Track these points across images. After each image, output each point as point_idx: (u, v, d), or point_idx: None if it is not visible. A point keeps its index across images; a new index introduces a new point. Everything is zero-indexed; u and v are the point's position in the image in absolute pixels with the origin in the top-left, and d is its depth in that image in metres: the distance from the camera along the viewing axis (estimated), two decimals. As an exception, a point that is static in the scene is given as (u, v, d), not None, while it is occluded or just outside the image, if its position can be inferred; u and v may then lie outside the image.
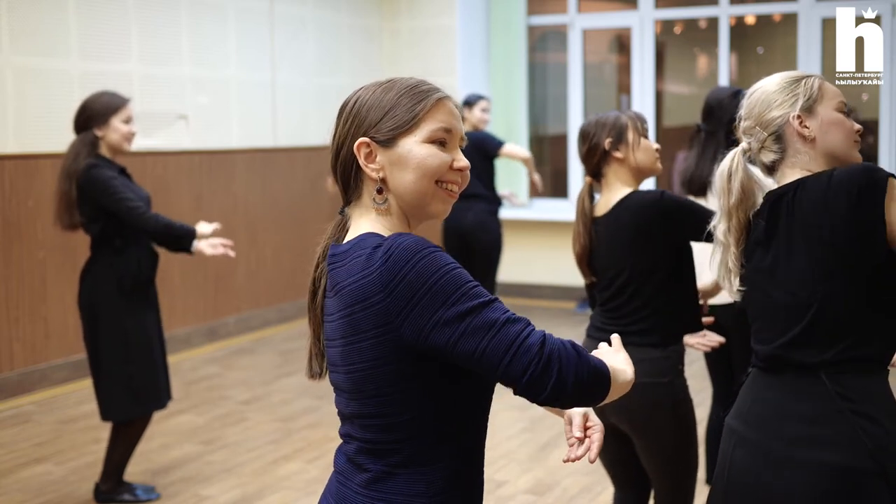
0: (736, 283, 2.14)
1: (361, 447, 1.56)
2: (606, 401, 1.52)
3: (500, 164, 7.32)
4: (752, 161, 2.18)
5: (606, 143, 2.76)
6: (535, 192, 6.80)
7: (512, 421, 5.05)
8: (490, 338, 1.42)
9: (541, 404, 1.47)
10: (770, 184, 2.16)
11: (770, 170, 2.15)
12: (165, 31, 6.50)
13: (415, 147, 1.55)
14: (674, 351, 2.75)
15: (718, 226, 2.14)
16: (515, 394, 1.47)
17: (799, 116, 2.09)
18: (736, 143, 3.67)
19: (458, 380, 1.52)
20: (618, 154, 2.76)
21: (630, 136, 2.75)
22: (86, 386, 5.63)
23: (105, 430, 4.76)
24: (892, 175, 1.94)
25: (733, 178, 2.10)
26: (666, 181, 8.39)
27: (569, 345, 1.47)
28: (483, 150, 6.26)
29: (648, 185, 7.88)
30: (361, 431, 1.55)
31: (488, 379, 1.51)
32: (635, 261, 2.72)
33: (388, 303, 1.44)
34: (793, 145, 2.10)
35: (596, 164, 2.80)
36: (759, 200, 2.14)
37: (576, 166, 8.30)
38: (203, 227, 4.08)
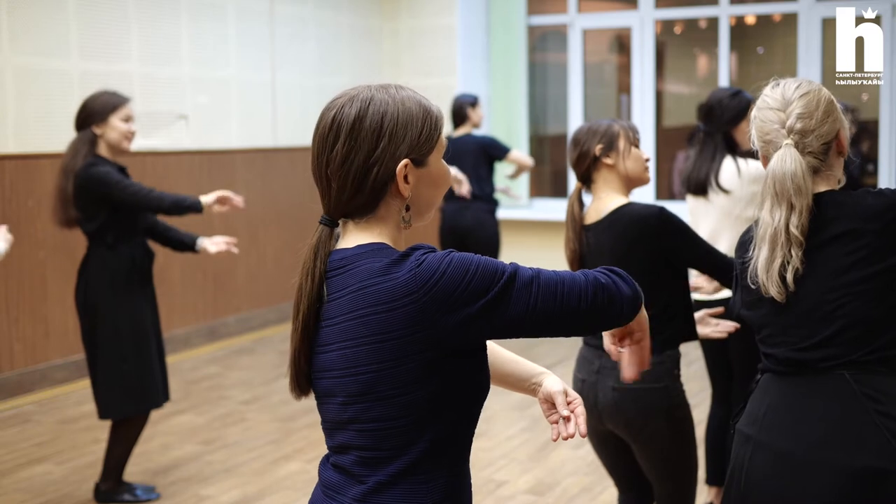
0: (789, 280, 2.09)
1: (359, 457, 1.54)
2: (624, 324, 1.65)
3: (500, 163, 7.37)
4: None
5: (597, 149, 2.79)
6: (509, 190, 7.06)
7: (512, 421, 5.05)
8: (535, 296, 1.50)
9: (600, 331, 1.60)
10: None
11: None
12: (165, 31, 6.50)
13: (440, 164, 1.61)
14: (668, 356, 2.75)
15: (792, 219, 2.08)
16: (574, 333, 1.58)
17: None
18: (734, 143, 3.72)
19: (469, 381, 1.54)
20: (608, 161, 2.79)
21: (621, 143, 2.79)
22: (86, 386, 5.63)
23: (105, 430, 4.76)
24: None
25: (807, 177, 2.09)
26: (666, 181, 8.39)
27: (604, 270, 1.62)
28: (489, 153, 6.44)
29: (647, 194, 7.87)
30: (359, 438, 1.53)
31: (540, 336, 1.56)
32: (625, 269, 2.73)
33: (425, 301, 1.46)
34: (831, 158, 2.13)
35: (586, 169, 2.83)
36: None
37: (576, 166, 8.29)
38: (207, 198, 4.14)
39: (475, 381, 1.56)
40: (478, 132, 6.74)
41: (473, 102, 6.56)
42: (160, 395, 4.12)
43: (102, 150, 3.99)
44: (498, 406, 5.17)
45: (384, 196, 1.56)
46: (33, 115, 5.67)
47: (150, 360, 4.04)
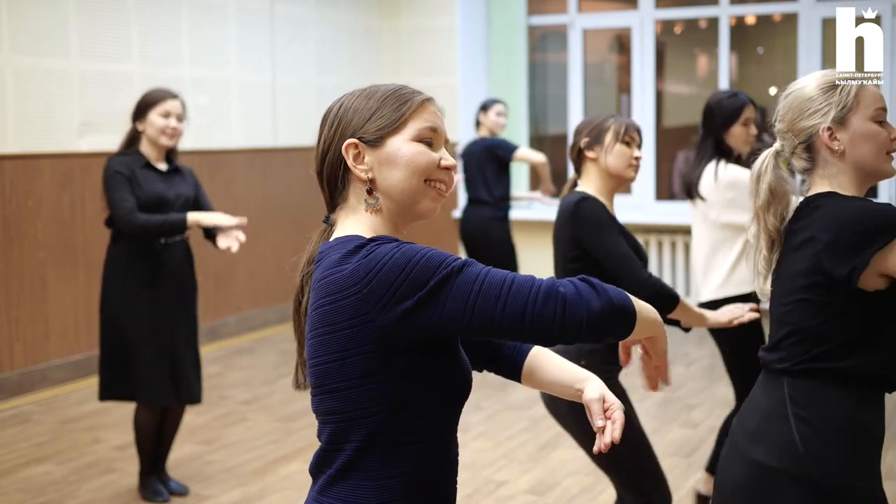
0: (766, 286, 2.12)
1: (321, 450, 1.55)
2: (637, 335, 1.51)
3: (522, 167, 7.28)
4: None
5: (583, 141, 2.83)
6: (549, 193, 6.71)
7: (512, 421, 5.04)
8: (476, 293, 1.43)
9: (555, 343, 1.45)
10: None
11: (803, 175, 2.13)
12: (165, 31, 6.50)
13: (403, 145, 1.56)
14: (588, 352, 2.70)
15: (751, 227, 2.11)
16: (523, 340, 1.45)
17: (829, 129, 2.03)
18: (728, 147, 3.73)
19: (424, 380, 1.50)
20: (591, 154, 2.82)
21: (607, 138, 2.80)
22: (86, 386, 5.64)
23: (105, 430, 4.77)
24: None
25: (761, 180, 2.07)
26: (666, 181, 8.40)
27: (576, 280, 1.46)
28: (496, 155, 6.23)
29: (648, 195, 7.88)
30: (321, 432, 1.55)
31: (487, 337, 1.48)
32: (557, 257, 2.85)
33: (364, 293, 1.44)
34: (822, 156, 2.05)
35: (575, 161, 2.89)
36: (794, 204, 2.10)
37: (576, 166, 8.28)
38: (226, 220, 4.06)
39: (439, 383, 1.51)
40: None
41: (485, 106, 6.43)
42: (157, 391, 4.03)
43: (145, 145, 4.02)
44: (498, 406, 5.17)
45: (347, 182, 1.59)
46: (33, 115, 5.66)
47: (142, 352, 3.99)
